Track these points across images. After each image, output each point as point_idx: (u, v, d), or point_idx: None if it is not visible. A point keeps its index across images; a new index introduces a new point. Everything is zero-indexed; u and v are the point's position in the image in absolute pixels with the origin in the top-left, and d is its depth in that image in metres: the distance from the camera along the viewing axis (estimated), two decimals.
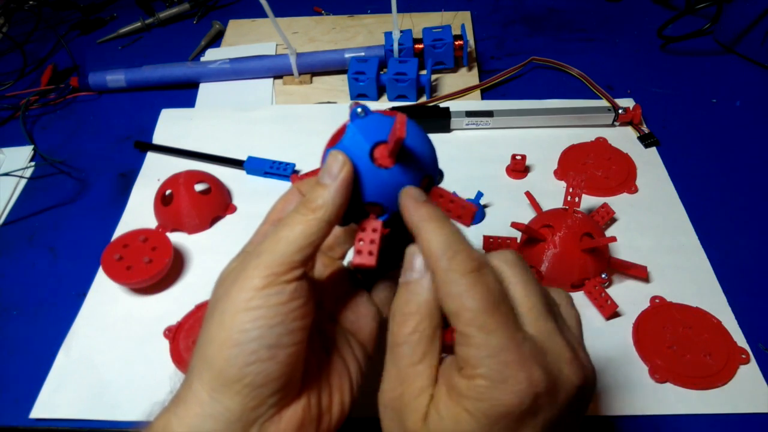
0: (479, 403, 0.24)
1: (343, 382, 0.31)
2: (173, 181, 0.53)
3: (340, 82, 0.70)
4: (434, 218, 0.26)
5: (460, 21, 0.78)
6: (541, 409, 0.24)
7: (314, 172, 0.58)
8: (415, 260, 0.27)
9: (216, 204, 0.54)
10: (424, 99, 0.66)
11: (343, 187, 0.28)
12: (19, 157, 0.63)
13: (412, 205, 0.27)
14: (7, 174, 0.60)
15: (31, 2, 0.88)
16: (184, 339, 0.45)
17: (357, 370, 0.32)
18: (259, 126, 0.65)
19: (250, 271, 0.27)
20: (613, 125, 0.62)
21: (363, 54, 0.69)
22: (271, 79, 0.71)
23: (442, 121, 0.61)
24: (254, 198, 0.57)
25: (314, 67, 0.70)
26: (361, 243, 0.28)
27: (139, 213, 0.56)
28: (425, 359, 0.26)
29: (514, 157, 0.56)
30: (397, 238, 0.30)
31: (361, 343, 0.33)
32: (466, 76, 0.70)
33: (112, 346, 0.46)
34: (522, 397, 0.24)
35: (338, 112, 0.65)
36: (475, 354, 0.24)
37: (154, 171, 0.60)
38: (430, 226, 0.26)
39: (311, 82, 0.70)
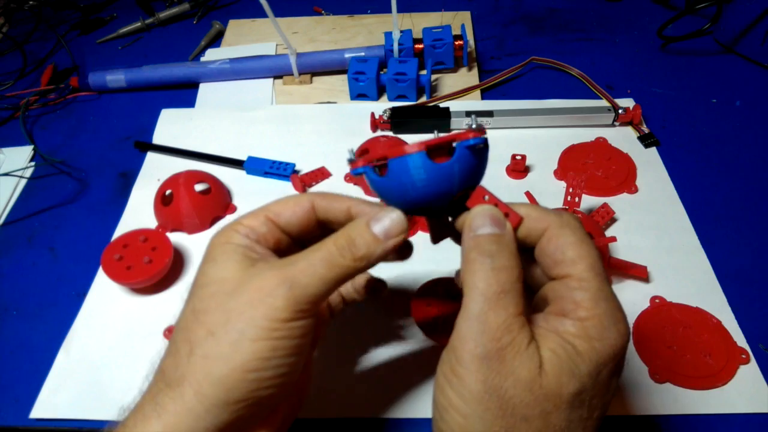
0: (595, 342, 0.25)
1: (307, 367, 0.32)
2: (173, 181, 0.53)
3: (340, 82, 0.70)
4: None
5: (460, 21, 0.78)
6: (623, 359, 0.26)
7: (318, 171, 0.58)
8: (499, 214, 0.28)
9: (216, 204, 0.54)
10: (424, 99, 0.66)
11: (391, 249, 0.28)
12: (19, 157, 0.63)
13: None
14: (7, 174, 0.60)
15: (31, 2, 0.88)
16: None
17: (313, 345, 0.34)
18: (259, 126, 0.65)
19: (278, 300, 0.26)
20: (613, 125, 0.62)
21: (363, 54, 0.69)
22: (271, 79, 0.71)
23: (442, 121, 0.61)
24: (254, 198, 0.56)
25: (314, 67, 0.70)
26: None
27: (139, 213, 0.56)
28: (525, 309, 0.26)
29: (514, 157, 0.56)
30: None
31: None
32: (466, 76, 0.70)
33: (112, 346, 0.46)
34: (623, 341, 0.25)
35: (338, 112, 0.65)
36: (591, 297, 0.25)
37: (154, 171, 0.60)
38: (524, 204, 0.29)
39: (311, 82, 0.70)
